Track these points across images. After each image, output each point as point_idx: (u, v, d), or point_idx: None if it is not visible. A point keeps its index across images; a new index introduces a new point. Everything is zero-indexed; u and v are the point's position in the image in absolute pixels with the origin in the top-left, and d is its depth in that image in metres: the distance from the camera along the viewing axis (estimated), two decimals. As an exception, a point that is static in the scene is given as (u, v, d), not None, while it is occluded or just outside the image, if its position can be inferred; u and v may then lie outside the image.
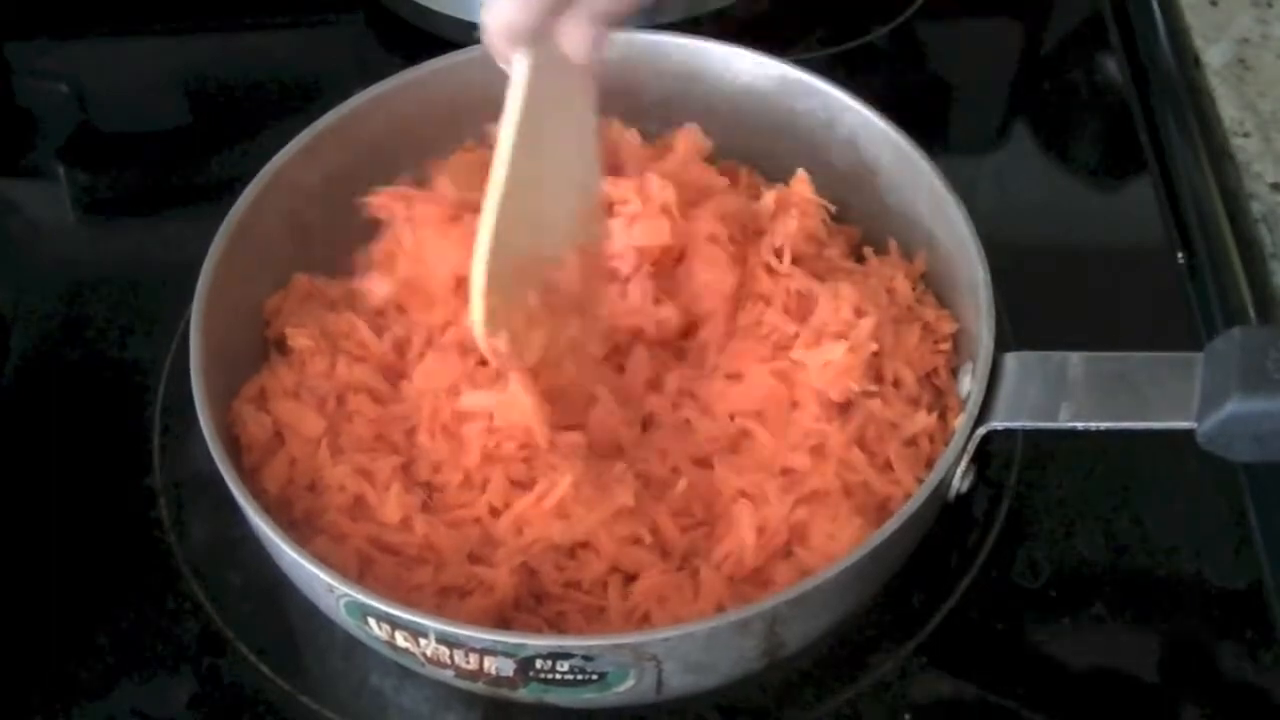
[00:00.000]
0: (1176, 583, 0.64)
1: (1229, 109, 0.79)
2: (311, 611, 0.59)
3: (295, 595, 0.59)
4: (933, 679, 0.61)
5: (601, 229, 0.63)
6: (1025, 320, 0.69)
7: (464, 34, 0.75)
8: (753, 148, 0.71)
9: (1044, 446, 0.66)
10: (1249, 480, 0.65)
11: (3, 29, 0.89)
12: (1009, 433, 0.59)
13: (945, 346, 0.64)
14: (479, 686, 0.56)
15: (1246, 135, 0.78)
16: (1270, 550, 0.64)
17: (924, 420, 0.62)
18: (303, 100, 0.70)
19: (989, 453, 0.66)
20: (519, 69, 0.56)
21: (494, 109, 0.71)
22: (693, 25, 0.78)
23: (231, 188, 0.66)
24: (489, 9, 0.55)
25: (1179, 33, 0.83)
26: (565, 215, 0.61)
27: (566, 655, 0.53)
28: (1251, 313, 0.70)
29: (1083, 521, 0.65)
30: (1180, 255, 0.75)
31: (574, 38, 0.55)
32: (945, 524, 0.63)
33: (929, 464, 0.60)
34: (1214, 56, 0.81)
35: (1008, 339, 0.68)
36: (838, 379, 0.61)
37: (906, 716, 0.60)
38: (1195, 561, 0.64)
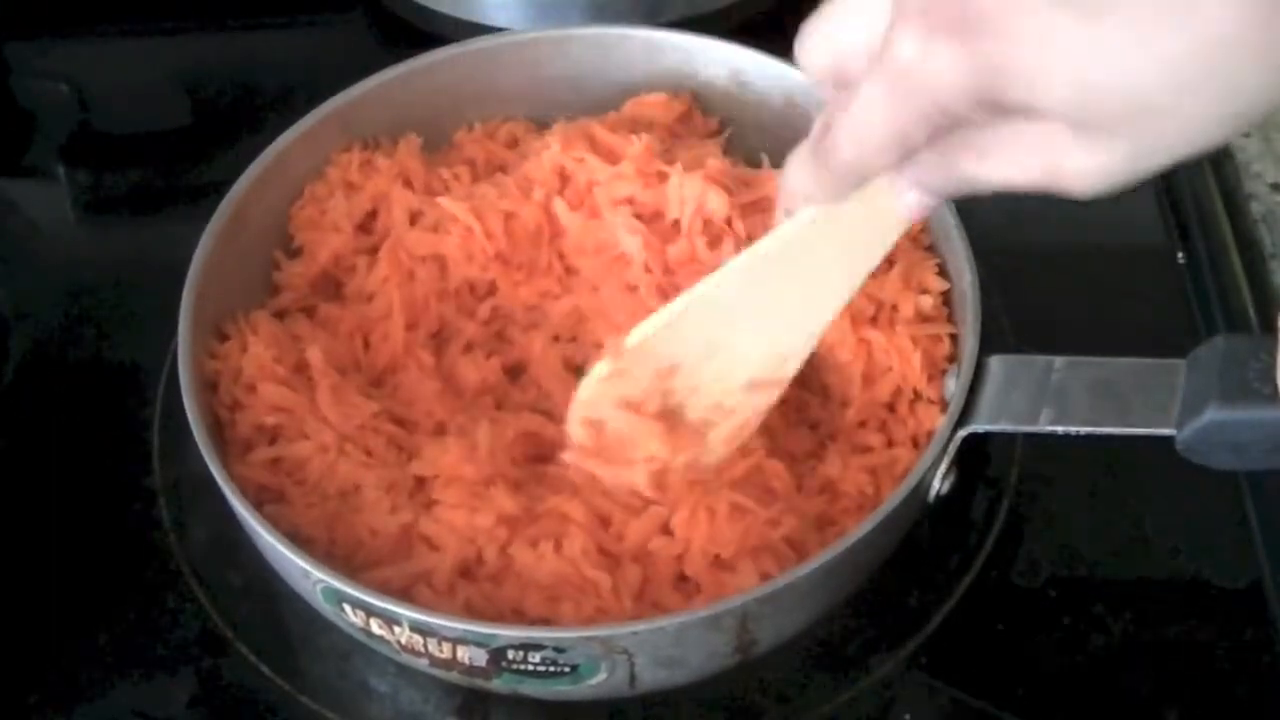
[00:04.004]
0: (1176, 583, 0.64)
1: (1229, 109, 0.79)
2: (311, 612, 0.59)
3: (295, 595, 0.59)
4: (932, 679, 0.61)
5: (759, 404, 0.59)
6: (1023, 320, 0.69)
7: (464, 33, 0.75)
8: (750, 147, 0.71)
9: (1044, 446, 0.66)
10: (1249, 480, 0.65)
11: (3, 29, 0.89)
12: (998, 435, 0.59)
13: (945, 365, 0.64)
14: (454, 676, 0.56)
15: (1246, 135, 0.78)
16: (1270, 550, 0.64)
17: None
18: (303, 100, 0.70)
19: (988, 453, 0.66)
20: (803, 214, 0.52)
21: (495, 100, 0.72)
22: (693, 24, 0.78)
23: (231, 188, 0.66)
24: (786, 172, 0.49)
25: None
26: (741, 363, 0.57)
27: (538, 646, 0.53)
28: (1252, 313, 0.70)
29: (1083, 521, 0.65)
30: (1180, 255, 0.75)
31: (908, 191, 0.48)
32: (944, 524, 0.63)
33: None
34: (1214, 56, 0.81)
35: (1007, 339, 0.68)
36: None
37: (906, 717, 0.60)
38: (1195, 561, 0.64)
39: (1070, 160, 0.41)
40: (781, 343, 0.57)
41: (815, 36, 0.47)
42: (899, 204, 0.48)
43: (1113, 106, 0.39)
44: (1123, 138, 0.40)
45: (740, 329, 0.56)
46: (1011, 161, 0.43)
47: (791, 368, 0.58)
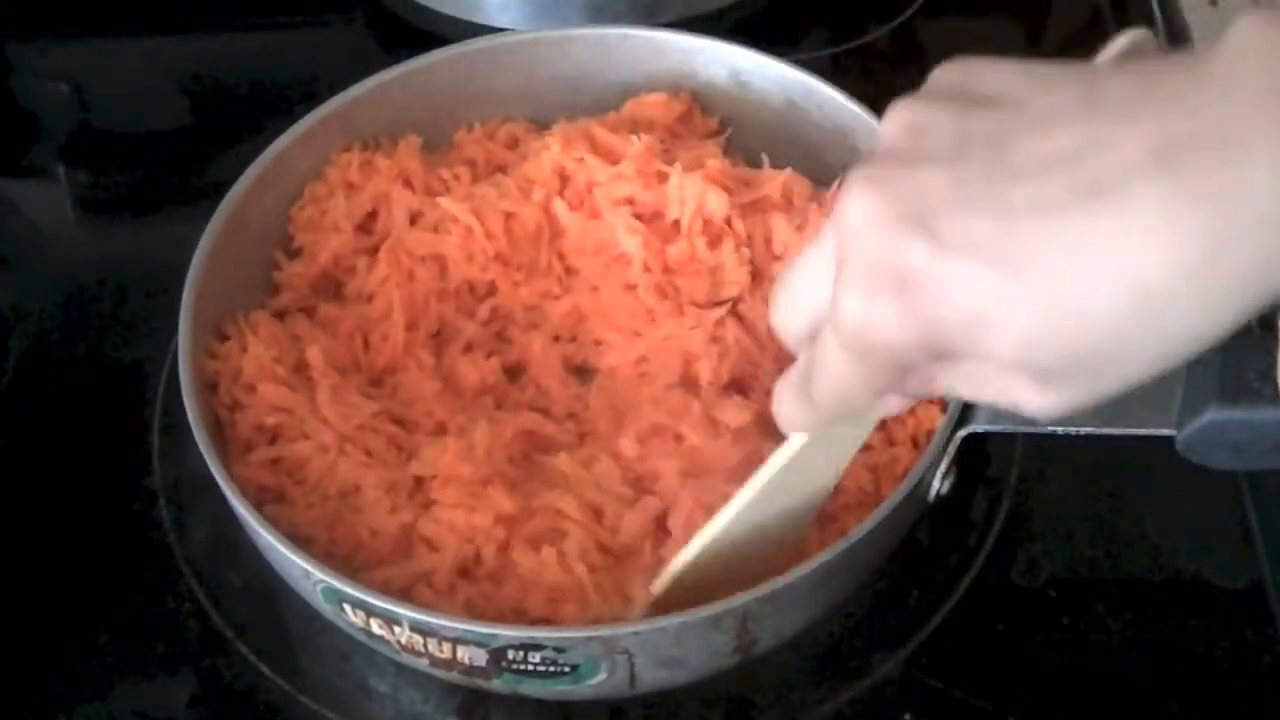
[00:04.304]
0: (1176, 583, 0.64)
1: (1229, 109, 0.79)
2: (311, 612, 0.59)
3: (294, 595, 0.59)
4: (932, 679, 0.61)
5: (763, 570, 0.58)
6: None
7: (464, 34, 0.75)
8: (750, 147, 0.71)
9: (1044, 446, 0.66)
10: (1249, 480, 0.65)
11: (3, 29, 0.89)
12: (998, 435, 0.59)
13: None
14: (454, 676, 0.56)
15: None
16: (1270, 550, 0.64)
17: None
18: (303, 101, 0.70)
19: (988, 453, 0.66)
20: (795, 440, 0.53)
21: (495, 101, 0.72)
22: (692, 24, 0.78)
23: (231, 188, 0.66)
24: (777, 398, 0.50)
25: (1179, 33, 0.83)
26: (751, 559, 0.57)
27: (538, 646, 0.53)
28: (1251, 313, 0.70)
29: (1083, 521, 0.65)
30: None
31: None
32: (944, 524, 0.63)
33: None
34: (1214, 56, 0.81)
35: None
36: None
37: (906, 716, 0.60)
38: (1195, 561, 0.64)
39: (1026, 397, 0.41)
40: (780, 537, 0.57)
41: (785, 303, 0.48)
42: (881, 406, 0.49)
43: (1053, 360, 0.39)
44: (1069, 381, 0.41)
45: (749, 544, 0.56)
46: (976, 385, 0.44)
47: (787, 551, 0.58)
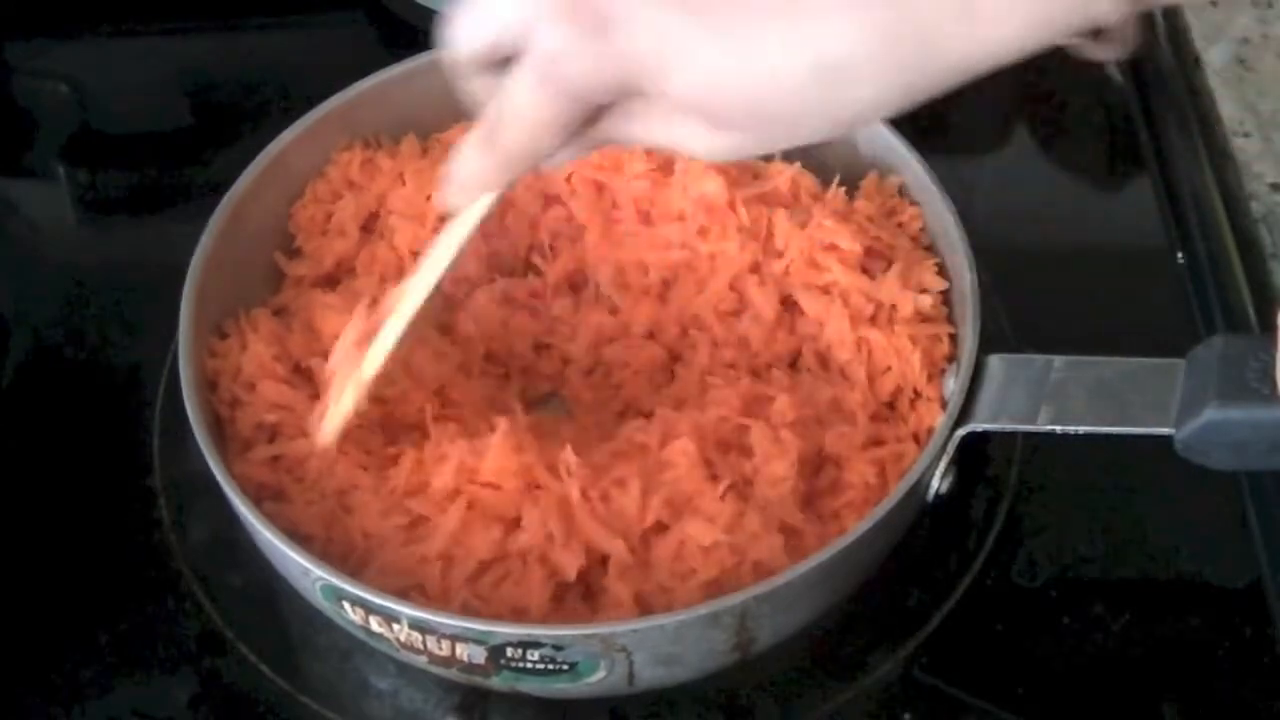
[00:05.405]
0: (1176, 583, 0.64)
1: (1229, 109, 0.79)
2: (311, 611, 0.59)
3: (294, 595, 0.59)
4: (932, 679, 0.61)
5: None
6: (1023, 320, 0.69)
7: (464, 34, 0.75)
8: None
9: (1044, 446, 0.66)
10: (1249, 480, 0.65)
11: (3, 29, 0.89)
12: (998, 435, 0.59)
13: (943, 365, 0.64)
14: (453, 673, 0.56)
15: (1246, 135, 0.78)
16: (1270, 550, 0.64)
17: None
18: (303, 100, 0.70)
19: (988, 453, 0.66)
20: (480, 206, 0.55)
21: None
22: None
23: (232, 186, 0.66)
24: (458, 165, 0.52)
25: (1179, 33, 0.83)
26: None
27: (536, 644, 0.53)
28: (1251, 313, 0.70)
29: (1083, 521, 0.65)
30: (1180, 255, 0.75)
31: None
32: (944, 524, 0.63)
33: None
34: (1214, 57, 0.81)
35: (1007, 339, 0.68)
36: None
37: (906, 716, 0.60)
38: (1195, 561, 0.64)
39: (697, 140, 0.46)
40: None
41: (469, 22, 0.49)
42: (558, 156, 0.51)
43: (732, 111, 0.44)
44: (742, 132, 0.45)
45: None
46: (650, 128, 0.47)
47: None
